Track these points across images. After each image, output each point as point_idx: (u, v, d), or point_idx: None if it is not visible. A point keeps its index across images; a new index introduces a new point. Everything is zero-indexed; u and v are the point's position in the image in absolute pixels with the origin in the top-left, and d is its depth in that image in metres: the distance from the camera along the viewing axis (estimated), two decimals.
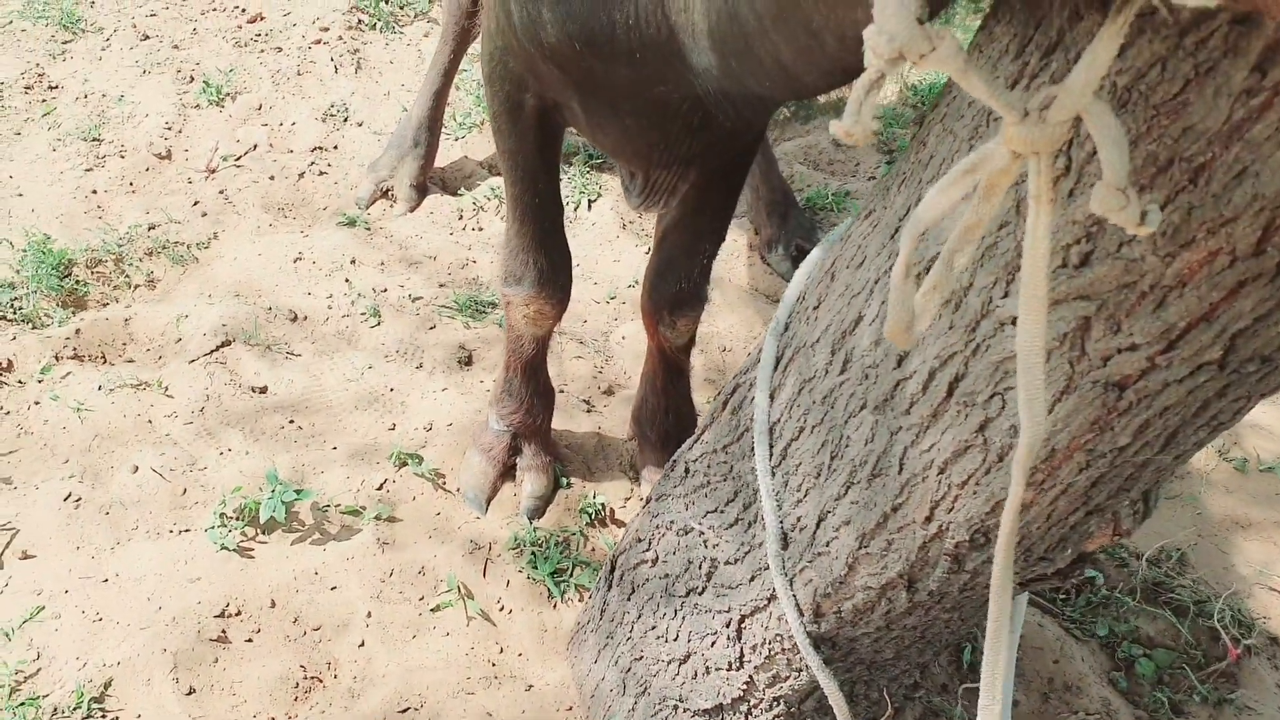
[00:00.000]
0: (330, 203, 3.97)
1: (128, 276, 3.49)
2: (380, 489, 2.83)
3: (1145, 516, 1.51)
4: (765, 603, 1.84)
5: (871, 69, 0.81)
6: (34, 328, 3.21)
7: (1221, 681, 2.57)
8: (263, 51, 4.74)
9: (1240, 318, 1.08)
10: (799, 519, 1.71)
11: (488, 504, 2.84)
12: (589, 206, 4.03)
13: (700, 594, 2.00)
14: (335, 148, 4.22)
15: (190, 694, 2.32)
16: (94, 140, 4.06)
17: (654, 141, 2.04)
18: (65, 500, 2.68)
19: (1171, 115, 1.00)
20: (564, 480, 2.92)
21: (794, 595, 1.75)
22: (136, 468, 2.77)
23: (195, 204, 3.83)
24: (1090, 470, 1.32)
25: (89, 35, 4.73)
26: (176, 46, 4.70)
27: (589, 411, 3.19)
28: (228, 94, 4.41)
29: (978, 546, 1.48)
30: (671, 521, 2.07)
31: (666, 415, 2.87)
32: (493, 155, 4.20)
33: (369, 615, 2.53)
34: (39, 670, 2.34)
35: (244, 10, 5.00)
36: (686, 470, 2.06)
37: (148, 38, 4.74)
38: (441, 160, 4.14)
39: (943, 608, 1.68)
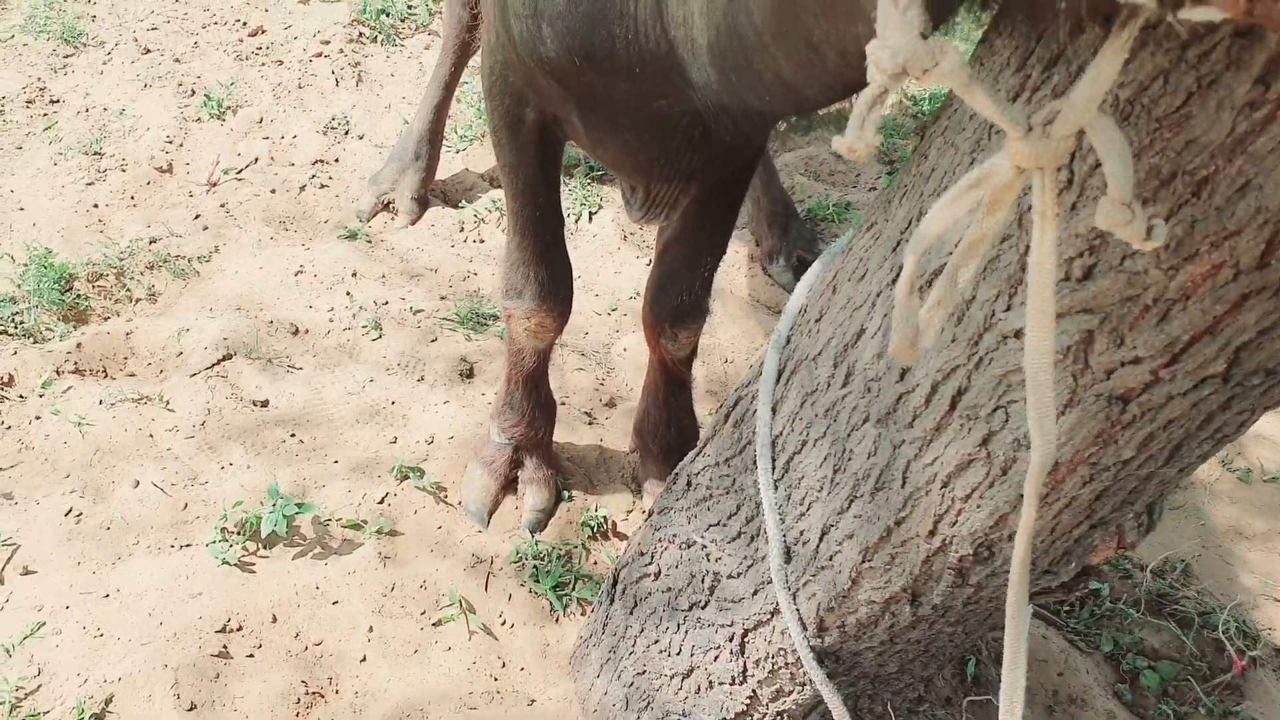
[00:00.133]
0: (331, 216, 3.97)
1: (129, 290, 3.48)
2: (381, 503, 2.82)
3: (1149, 529, 1.50)
4: (768, 617, 1.83)
5: (874, 84, 0.81)
6: (35, 342, 3.20)
7: (1227, 693, 2.55)
8: (264, 65, 4.75)
9: (1244, 331, 1.08)
10: (802, 532, 1.70)
11: (489, 517, 2.83)
12: (590, 218, 4.03)
13: (703, 608, 1.99)
14: (336, 161, 4.22)
15: (191, 710, 2.31)
16: (95, 154, 4.07)
17: (654, 155, 2.04)
18: (66, 515, 2.68)
19: (1174, 128, 1.00)
20: (566, 493, 2.91)
21: (797, 609, 1.74)
22: (138, 482, 2.76)
23: (196, 217, 3.83)
24: (1094, 484, 1.31)
25: (90, 49, 4.74)
26: (178, 60, 4.71)
27: (591, 424, 3.18)
28: (229, 107, 4.42)
29: (981, 560, 1.47)
30: (674, 535, 2.06)
31: (668, 428, 2.86)
32: (493, 168, 4.21)
33: (370, 630, 2.52)
34: (39, 687, 2.33)
35: (245, 23, 5.02)
36: (689, 483, 2.06)
37: (149, 51, 4.75)
38: (443, 173, 4.14)
39: (946, 621, 1.67)
